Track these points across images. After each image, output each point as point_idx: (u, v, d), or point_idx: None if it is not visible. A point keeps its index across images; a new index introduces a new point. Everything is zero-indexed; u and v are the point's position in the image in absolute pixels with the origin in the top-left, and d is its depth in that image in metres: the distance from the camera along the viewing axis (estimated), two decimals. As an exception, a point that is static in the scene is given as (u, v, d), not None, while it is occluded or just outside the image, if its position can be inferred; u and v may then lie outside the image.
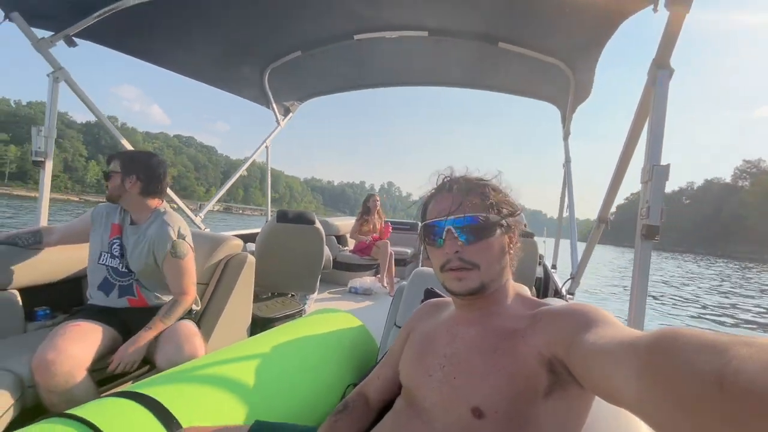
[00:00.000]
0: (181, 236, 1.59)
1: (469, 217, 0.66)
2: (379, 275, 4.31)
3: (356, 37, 2.46)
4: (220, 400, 0.95)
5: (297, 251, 2.46)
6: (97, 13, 1.84)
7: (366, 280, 4.10)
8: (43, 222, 1.86)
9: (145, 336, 1.42)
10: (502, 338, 0.63)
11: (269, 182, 3.99)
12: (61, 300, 1.78)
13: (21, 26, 1.75)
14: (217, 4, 2.00)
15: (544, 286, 3.22)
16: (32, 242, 1.62)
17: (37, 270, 1.66)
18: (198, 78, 2.92)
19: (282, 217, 2.39)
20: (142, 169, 1.58)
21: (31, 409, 1.20)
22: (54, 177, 2.11)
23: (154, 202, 1.62)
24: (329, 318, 1.57)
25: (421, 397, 0.66)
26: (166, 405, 0.87)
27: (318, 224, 2.47)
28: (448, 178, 0.74)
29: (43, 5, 1.77)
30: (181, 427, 0.83)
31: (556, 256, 3.58)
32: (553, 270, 3.30)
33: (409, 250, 5.02)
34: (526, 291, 0.80)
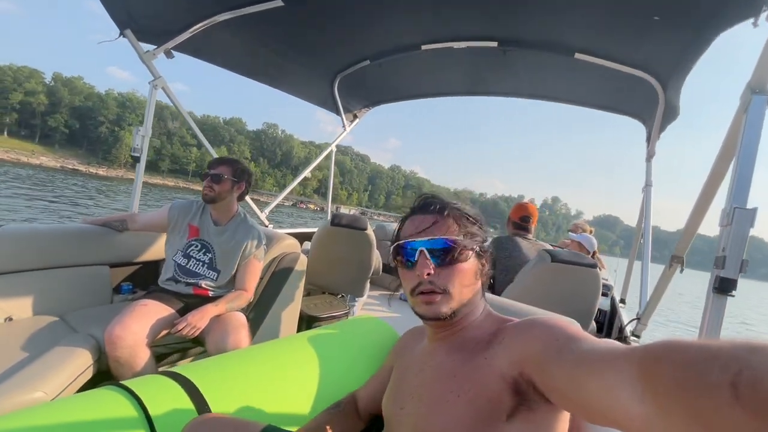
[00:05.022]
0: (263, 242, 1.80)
1: (441, 239, 0.64)
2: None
3: (423, 47, 2.46)
4: (250, 392, 1.02)
5: (348, 255, 2.52)
6: (191, 29, 2.09)
7: (417, 289, 4.06)
8: (135, 208, 2.16)
9: (210, 309, 1.56)
10: (462, 363, 0.61)
11: (331, 183, 4.18)
12: (142, 278, 2.05)
13: (131, 41, 2.06)
14: (291, 18, 2.15)
15: (609, 322, 2.89)
16: (121, 227, 1.89)
17: (124, 251, 1.93)
18: (273, 85, 3.16)
19: (336, 220, 2.47)
20: (247, 178, 1.81)
21: (105, 372, 1.39)
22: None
23: (236, 206, 1.83)
24: (368, 327, 1.59)
25: (396, 430, 0.67)
26: (201, 390, 0.96)
27: (369, 230, 2.51)
28: (425, 198, 0.72)
29: (149, 24, 2.06)
30: (210, 410, 0.90)
31: (626, 289, 3.19)
32: (621, 305, 2.94)
33: None
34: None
